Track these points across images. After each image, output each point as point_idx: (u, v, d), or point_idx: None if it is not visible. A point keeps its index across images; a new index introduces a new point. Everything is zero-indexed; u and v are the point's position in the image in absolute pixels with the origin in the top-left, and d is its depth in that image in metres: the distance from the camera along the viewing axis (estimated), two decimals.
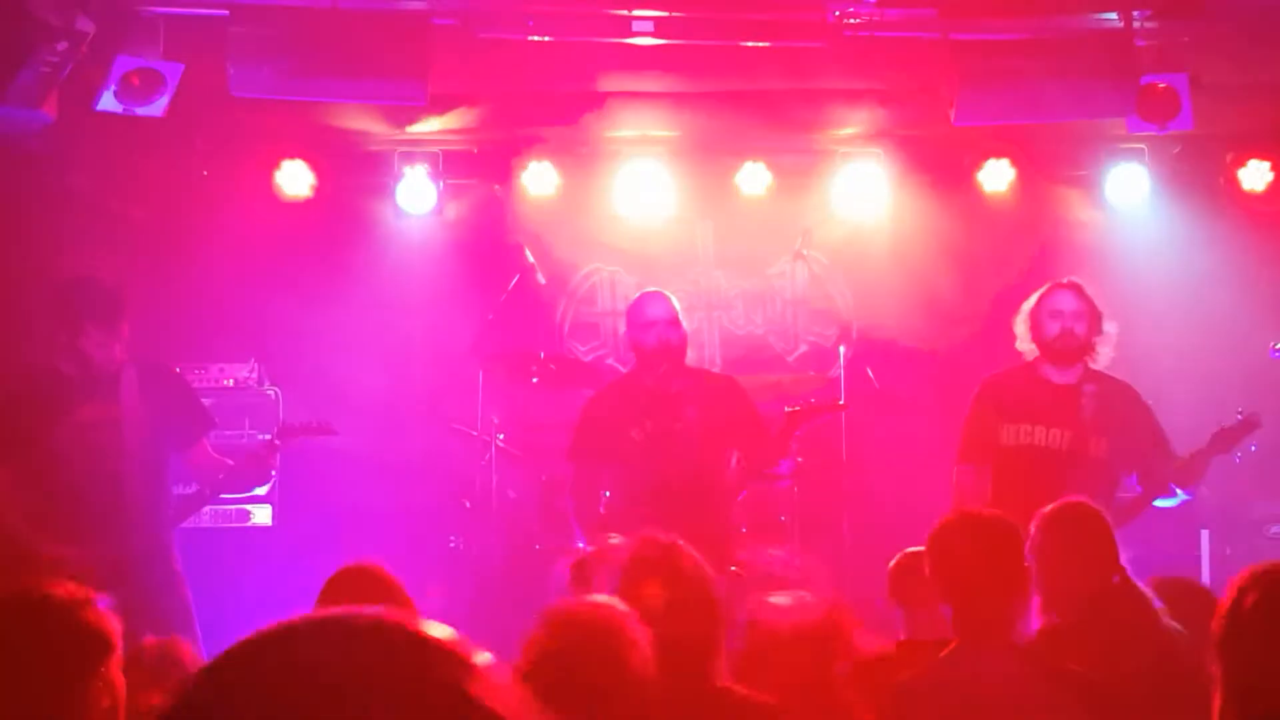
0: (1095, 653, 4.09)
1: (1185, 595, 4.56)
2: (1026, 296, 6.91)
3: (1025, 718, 3.72)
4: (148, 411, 6.10)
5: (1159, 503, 6.50)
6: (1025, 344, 6.62)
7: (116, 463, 6.01)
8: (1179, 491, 6.44)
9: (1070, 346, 6.50)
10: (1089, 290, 6.59)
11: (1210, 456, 6.42)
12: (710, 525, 6.26)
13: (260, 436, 7.65)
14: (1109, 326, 6.58)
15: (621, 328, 6.87)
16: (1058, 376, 6.55)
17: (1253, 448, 6.67)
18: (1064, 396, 6.49)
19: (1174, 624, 4.45)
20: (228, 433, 7.58)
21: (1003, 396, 6.58)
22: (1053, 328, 6.50)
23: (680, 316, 6.71)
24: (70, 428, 5.98)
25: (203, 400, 6.69)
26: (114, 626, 3.06)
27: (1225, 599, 2.89)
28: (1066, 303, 6.51)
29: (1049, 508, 4.65)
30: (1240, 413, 6.42)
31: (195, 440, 6.34)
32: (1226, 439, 6.41)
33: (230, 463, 6.34)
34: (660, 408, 6.53)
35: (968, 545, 4.01)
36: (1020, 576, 4.02)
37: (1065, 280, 6.63)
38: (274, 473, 6.47)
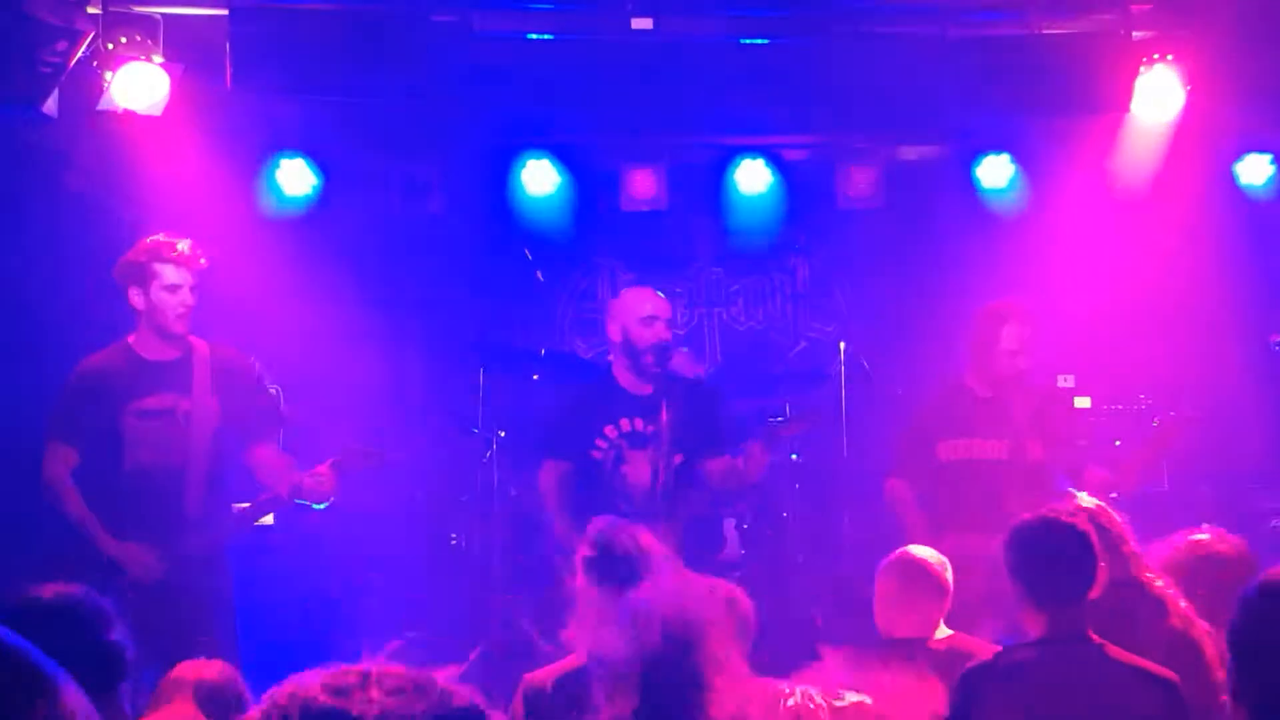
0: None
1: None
2: (1025, 293, 6.94)
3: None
4: (218, 403, 5.96)
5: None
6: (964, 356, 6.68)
7: (181, 456, 5.85)
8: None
9: (1017, 379, 6.65)
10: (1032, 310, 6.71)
11: (1147, 458, 6.48)
12: (683, 527, 6.25)
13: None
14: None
15: (608, 321, 6.83)
16: (983, 391, 6.68)
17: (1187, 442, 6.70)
18: (995, 407, 6.61)
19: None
20: None
21: (937, 412, 6.71)
22: (1007, 366, 6.62)
23: (669, 314, 6.69)
24: (137, 414, 5.84)
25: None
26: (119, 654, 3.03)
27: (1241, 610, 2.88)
28: (1025, 341, 6.61)
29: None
30: (1172, 411, 6.46)
31: (262, 440, 6.14)
32: (1162, 438, 6.48)
33: (299, 474, 6.00)
34: (638, 407, 6.46)
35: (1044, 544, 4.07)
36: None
37: (1023, 308, 6.71)
38: (333, 498, 6.04)
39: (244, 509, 6.15)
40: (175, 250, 5.93)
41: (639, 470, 6.37)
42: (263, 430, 6.16)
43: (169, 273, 5.90)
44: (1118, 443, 8.28)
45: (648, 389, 6.50)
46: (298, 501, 6.15)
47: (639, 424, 6.41)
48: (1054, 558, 4.06)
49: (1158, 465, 6.45)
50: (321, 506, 6.11)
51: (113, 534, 5.72)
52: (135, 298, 5.92)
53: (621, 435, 6.44)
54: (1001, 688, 3.87)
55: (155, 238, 6.05)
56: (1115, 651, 3.92)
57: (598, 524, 4.60)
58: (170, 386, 5.91)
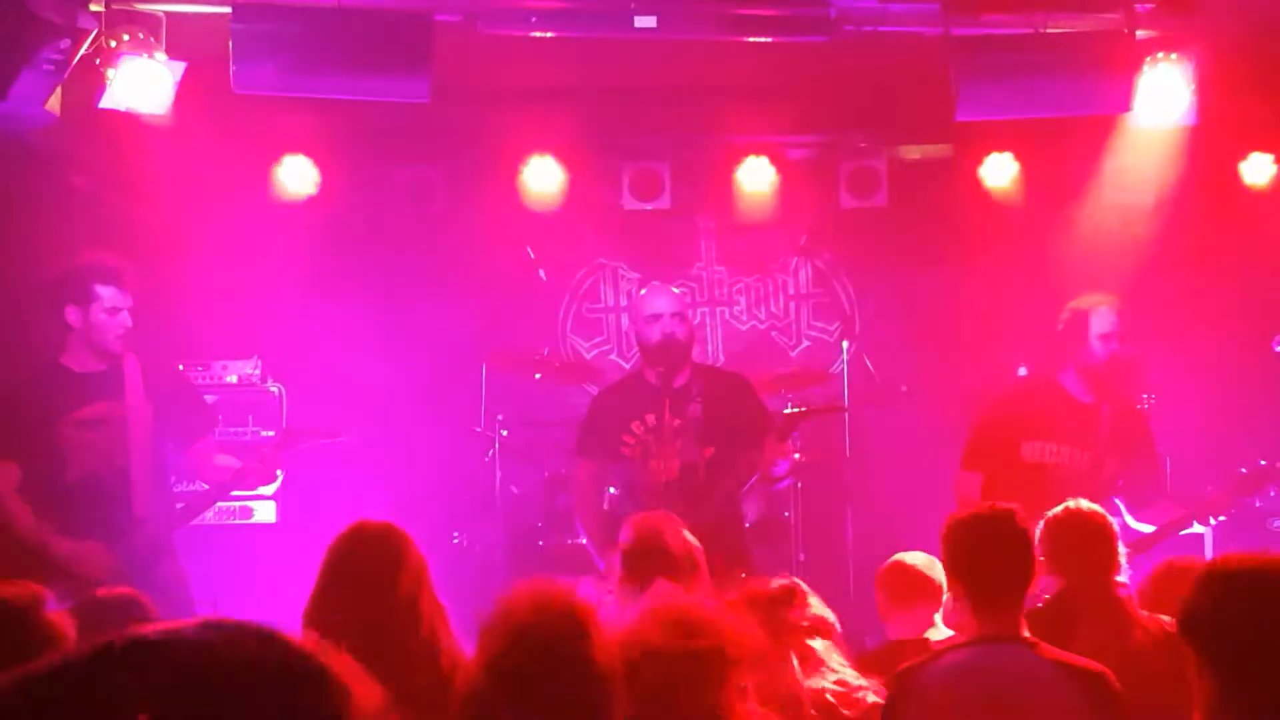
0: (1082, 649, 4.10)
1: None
2: (1029, 292, 6.92)
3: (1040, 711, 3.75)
4: (151, 407, 6.09)
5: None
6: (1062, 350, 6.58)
7: (122, 460, 5.98)
8: (1196, 524, 6.43)
9: (1115, 373, 6.49)
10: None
11: (1232, 502, 6.37)
12: (714, 520, 6.26)
13: (263, 434, 7.67)
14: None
15: (625, 323, 6.86)
16: (1083, 395, 6.52)
17: (1272, 493, 6.62)
18: (1088, 416, 6.46)
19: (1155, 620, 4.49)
20: (231, 430, 7.60)
21: (1026, 410, 6.55)
22: (1103, 352, 6.47)
23: (685, 311, 6.69)
24: (75, 424, 5.96)
25: (205, 398, 6.67)
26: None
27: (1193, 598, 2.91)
28: (1117, 327, 6.48)
29: (1057, 510, 4.66)
30: (1264, 460, 6.35)
31: (197, 438, 6.32)
32: (1248, 485, 6.36)
33: (235, 462, 6.28)
34: (664, 402, 6.50)
35: (982, 539, 4.04)
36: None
37: (1111, 298, 6.59)
38: (280, 473, 6.38)
39: (184, 506, 6.29)
40: (118, 273, 6.00)
41: (667, 465, 6.38)
42: (197, 429, 6.34)
43: (110, 295, 5.98)
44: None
45: (676, 383, 6.50)
46: (237, 492, 6.54)
47: (666, 419, 6.43)
48: (987, 554, 3.97)
49: (1229, 509, 6.31)
50: (270, 490, 6.31)
51: (65, 539, 5.83)
52: (72, 315, 5.99)
53: (648, 430, 6.45)
54: (934, 686, 3.84)
55: (93, 258, 6.09)
56: (1046, 649, 3.86)
57: (638, 518, 4.72)
58: (103, 395, 6.01)
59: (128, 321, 6.02)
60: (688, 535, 4.79)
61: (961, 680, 3.82)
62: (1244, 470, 6.35)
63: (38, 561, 5.68)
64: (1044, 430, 6.44)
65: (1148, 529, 6.28)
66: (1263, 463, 6.30)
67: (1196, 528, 6.42)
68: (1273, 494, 7.16)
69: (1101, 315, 6.50)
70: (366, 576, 3.91)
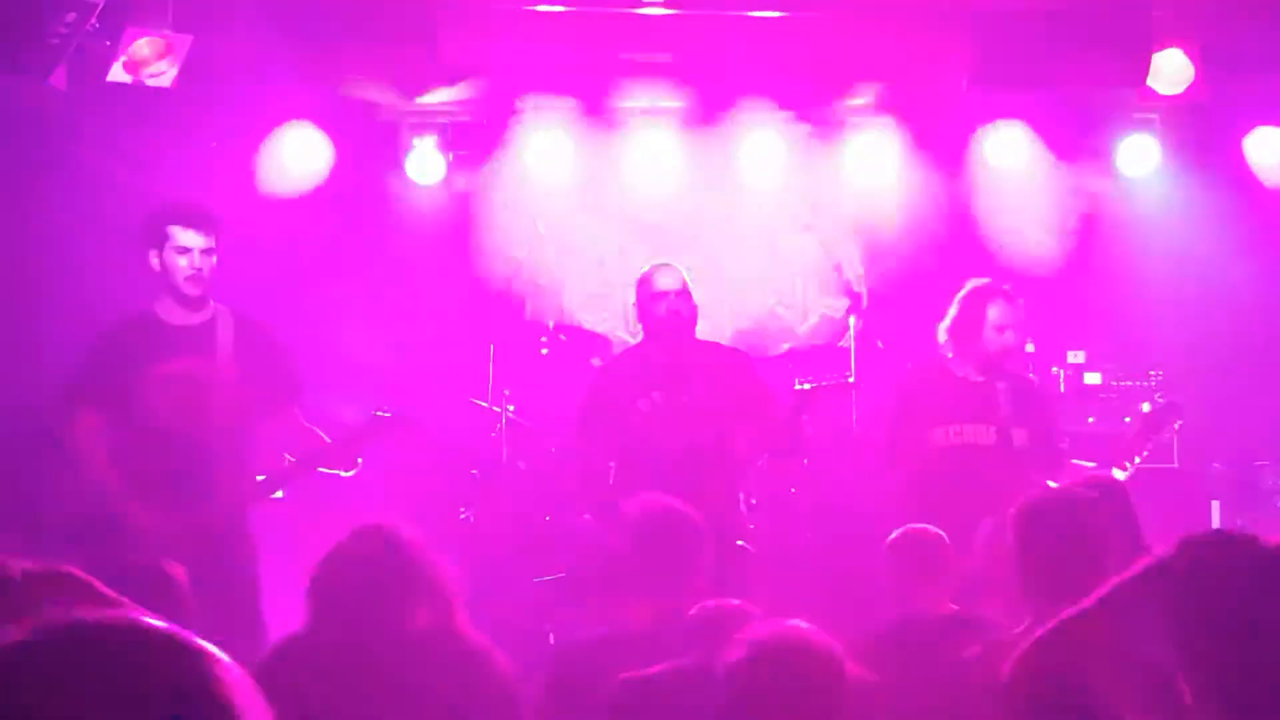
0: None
1: None
2: (1035, 267, 6.92)
3: None
4: (240, 369, 5.90)
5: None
6: (945, 341, 6.64)
7: (206, 421, 5.78)
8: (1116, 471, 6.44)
9: (1005, 363, 6.60)
10: (1015, 291, 6.64)
11: (1142, 442, 6.42)
12: (715, 498, 6.26)
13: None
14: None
15: (631, 299, 6.85)
16: (973, 375, 6.61)
17: (1176, 425, 6.64)
18: (983, 393, 6.55)
19: None
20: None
21: (928, 398, 6.64)
22: (996, 343, 6.56)
23: (690, 288, 6.67)
24: (158, 380, 5.78)
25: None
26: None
27: None
28: (1012, 318, 6.55)
29: (1028, 499, 4.54)
30: (1160, 397, 6.42)
31: (285, 406, 6.07)
32: (1152, 423, 6.43)
33: (323, 440, 6.01)
34: (668, 380, 6.48)
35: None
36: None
37: (1006, 288, 6.64)
38: (360, 461, 6.04)
39: (264, 479, 6.07)
40: (189, 212, 5.91)
41: (673, 442, 6.37)
42: (286, 398, 6.09)
43: (180, 235, 5.87)
44: (1127, 419, 8.26)
45: (679, 360, 6.49)
46: (322, 470, 6.13)
47: (671, 395, 6.42)
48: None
49: (1142, 452, 6.36)
50: (349, 473, 6.10)
51: (133, 498, 5.67)
52: (152, 260, 5.90)
53: (653, 407, 6.44)
54: None
55: (170, 200, 6.04)
56: None
57: (643, 498, 4.71)
58: (192, 351, 5.86)
59: (197, 262, 5.87)
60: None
61: None
62: (1145, 408, 6.46)
63: (107, 523, 5.57)
64: (948, 415, 6.53)
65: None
66: (1159, 398, 6.45)
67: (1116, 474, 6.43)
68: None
69: (1000, 307, 6.55)
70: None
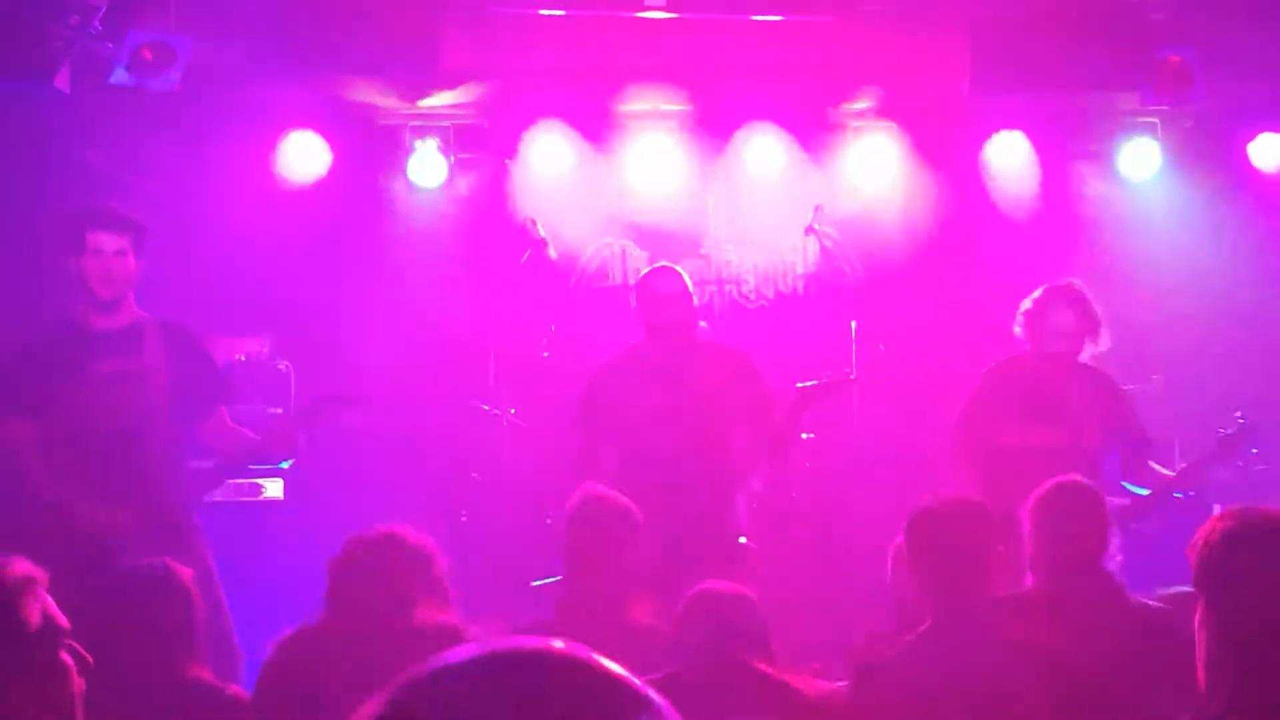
0: (1067, 628, 4.11)
1: None
2: (1035, 272, 6.89)
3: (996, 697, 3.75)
4: (169, 374, 5.92)
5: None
6: (1019, 335, 6.62)
7: (140, 419, 5.81)
8: (1177, 494, 6.41)
9: (1070, 363, 6.50)
10: (1090, 297, 6.53)
11: (1210, 465, 6.37)
12: (715, 498, 6.27)
13: (272, 410, 7.66)
14: (1104, 339, 6.55)
15: (633, 302, 6.86)
16: (1048, 375, 6.54)
17: (1254, 451, 6.55)
18: (1057, 393, 6.48)
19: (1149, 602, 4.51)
20: (240, 407, 7.58)
21: (998, 398, 6.59)
22: (1056, 344, 6.49)
23: (691, 291, 6.68)
24: (92, 382, 5.79)
25: (220, 367, 6.43)
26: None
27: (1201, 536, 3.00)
28: (1070, 321, 6.47)
29: (1045, 486, 4.67)
30: (1240, 418, 6.35)
31: (213, 408, 6.11)
32: (1227, 448, 6.35)
33: (252, 435, 6.11)
34: (667, 378, 6.49)
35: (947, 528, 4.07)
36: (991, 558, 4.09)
37: (1070, 288, 6.55)
38: (300, 446, 6.12)
39: (199, 475, 6.11)
40: (101, 214, 5.89)
41: (669, 442, 6.39)
42: (214, 399, 6.14)
43: (93, 238, 5.82)
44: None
45: (680, 359, 6.50)
46: (254, 465, 6.30)
47: (669, 394, 6.43)
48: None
49: (1221, 471, 6.31)
50: (286, 464, 6.14)
51: (80, 498, 5.69)
52: (74, 267, 5.88)
53: (653, 405, 6.45)
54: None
55: (87, 205, 6.01)
56: None
57: (582, 491, 5.01)
58: (120, 352, 5.87)
59: (110, 264, 5.83)
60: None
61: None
62: (1223, 430, 6.39)
63: (62, 525, 5.58)
64: (1020, 414, 6.48)
65: (1142, 492, 6.30)
66: (1240, 419, 6.32)
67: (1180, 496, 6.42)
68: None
69: (1058, 309, 6.50)
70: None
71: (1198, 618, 2.92)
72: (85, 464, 5.74)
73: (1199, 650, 2.92)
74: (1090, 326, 6.48)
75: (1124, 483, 6.41)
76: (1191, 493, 6.38)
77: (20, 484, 5.76)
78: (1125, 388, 6.77)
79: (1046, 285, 6.61)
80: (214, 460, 6.19)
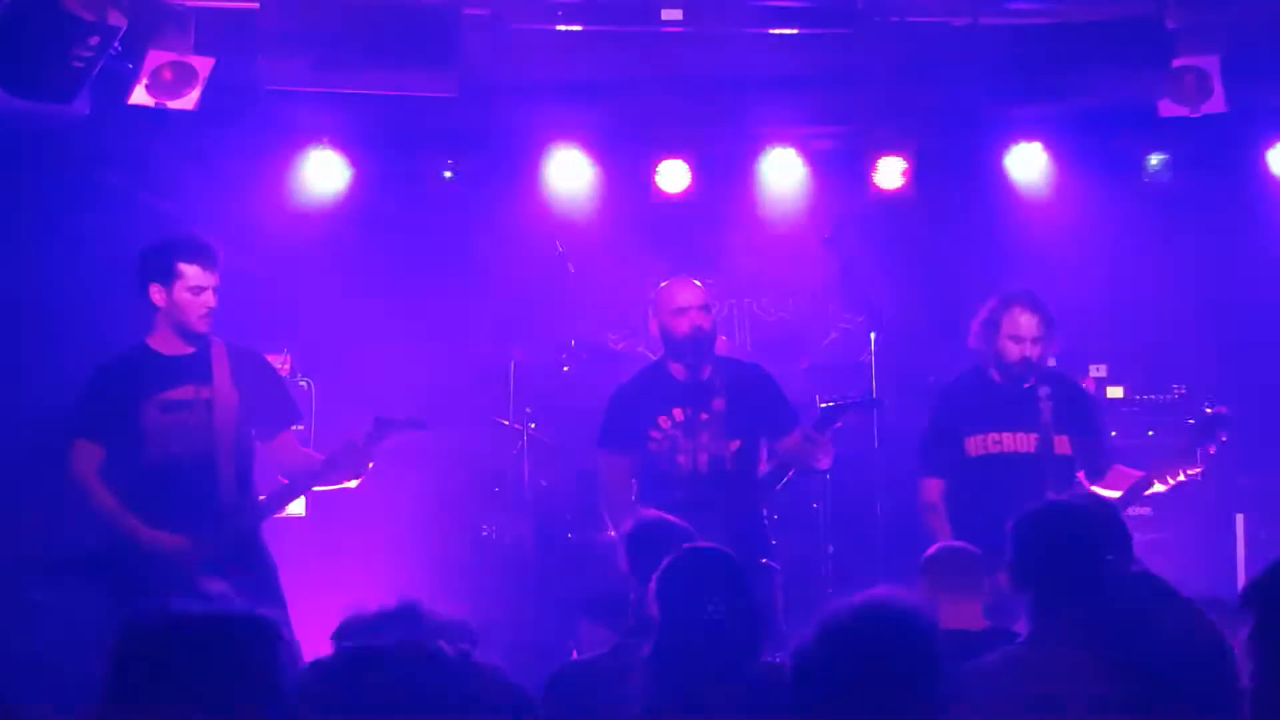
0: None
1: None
2: (1057, 281, 6.89)
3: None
4: (238, 395, 5.96)
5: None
6: (973, 346, 6.63)
7: (209, 447, 5.85)
8: (1157, 485, 6.38)
9: (1027, 370, 6.47)
10: (1043, 301, 6.53)
11: (1190, 454, 6.33)
12: (738, 515, 6.26)
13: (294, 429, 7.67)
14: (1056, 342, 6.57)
15: (651, 314, 6.86)
16: (1013, 382, 6.52)
17: (1223, 439, 6.54)
18: (1024, 399, 6.45)
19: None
20: None
21: (965, 405, 6.60)
22: (1013, 352, 6.48)
23: (710, 304, 6.68)
24: (159, 407, 5.86)
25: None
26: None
27: None
28: (1026, 328, 6.46)
29: (1026, 509, 4.53)
30: (1208, 407, 6.34)
31: (281, 429, 6.15)
32: (1199, 434, 6.31)
33: (319, 457, 6.09)
34: (689, 396, 6.50)
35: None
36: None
37: (1022, 296, 6.55)
38: (370, 466, 6.03)
39: (265, 500, 6.10)
40: (201, 250, 5.94)
41: (694, 458, 6.39)
42: (283, 422, 6.18)
43: (194, 274, 5.89)
44: (1150, 433, 8.24)
45: (700, 377, 6.50)
46: (321, 487, 6.20)
47: (692, 412, 6.43)
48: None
49: (1190, 463, 6.27)
50: (353, 484, 6.12)
51: (147, 526, 5.72)
52: (156, 294, 5.92)
53: (675, 425, 6.45)
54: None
55: (182, 236, 6.06)
56: None
57: (642, 517, 4.81)
58: (190, 378, 5.92)
59: (211, 301, 5.91)
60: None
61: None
62: (1192, 421, 6.38)
63: (130, 549, 5.65)
64: (984, 423, 6.48)
65: (1114, 494, 6.28)
66: (1208, 409, 6.30)
67: (1157, 487, 6.37)
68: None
69: (1013, 317, 6.48)
70: None
71: (1244, 636, 2.87)
72: (150, 492, 5.78)
73: (1244, 669, 2.87)
74: (1049, 330, 6.50)
75: (1092, 486, 6.40)
76: (1168, 482, 6.34)
77: (92, 507, 5.81)
78: (1086, 389, 6.80)
79: (1002, 291, 6.62)
80: (282, 484, 6.17)
